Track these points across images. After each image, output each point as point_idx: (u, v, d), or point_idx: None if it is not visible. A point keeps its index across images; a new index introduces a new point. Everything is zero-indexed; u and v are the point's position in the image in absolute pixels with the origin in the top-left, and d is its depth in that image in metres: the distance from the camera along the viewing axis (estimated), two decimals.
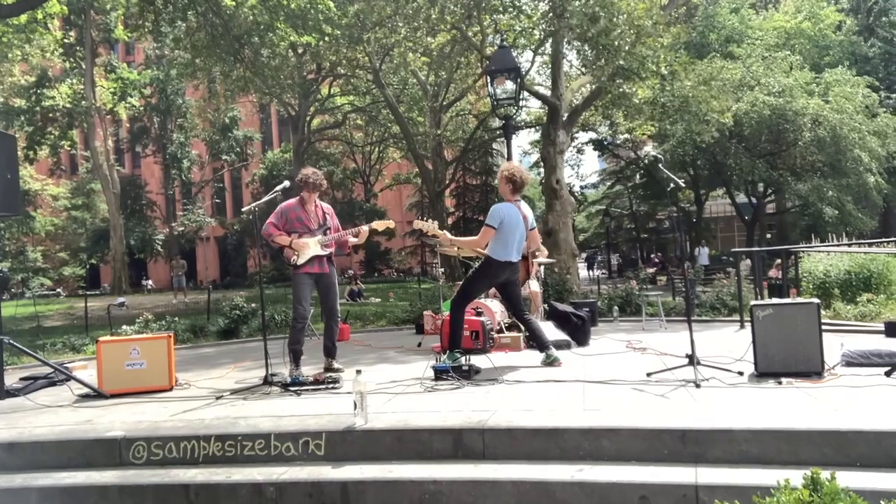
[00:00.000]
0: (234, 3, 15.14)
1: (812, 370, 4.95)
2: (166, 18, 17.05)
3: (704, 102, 15.32)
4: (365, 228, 6.59)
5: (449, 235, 6.68)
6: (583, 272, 33.63)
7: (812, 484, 2.05)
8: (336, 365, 6.52)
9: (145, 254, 45.11)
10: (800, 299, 7.57)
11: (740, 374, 5.12)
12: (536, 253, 9.26)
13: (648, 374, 5.25)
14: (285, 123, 45.47)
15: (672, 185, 5.62)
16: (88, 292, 33.48)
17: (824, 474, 2.09)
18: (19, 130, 32.06)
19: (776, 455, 3.63)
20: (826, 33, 30.46)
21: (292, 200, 6.42)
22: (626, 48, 12.72)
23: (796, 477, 3.34)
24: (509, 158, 11.60)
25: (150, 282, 43.53)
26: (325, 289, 6.48)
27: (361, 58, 22.34)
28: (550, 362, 6.17)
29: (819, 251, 11.86)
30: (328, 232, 6.46)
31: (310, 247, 6.30)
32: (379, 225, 6.71)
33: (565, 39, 15.01)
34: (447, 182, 31.81)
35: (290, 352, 6.30)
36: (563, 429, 3.97)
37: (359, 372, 4.35)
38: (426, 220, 6.56)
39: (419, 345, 8.60)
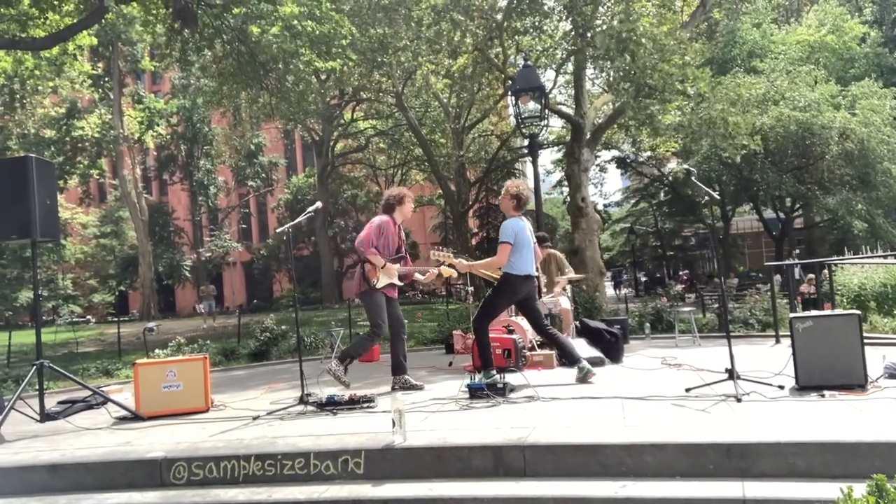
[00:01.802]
0: (259, 30, 15.41)
1: (855, 382, 4.86)
2: (193, 47, 17.39)
3: (733, 123, 15.22)
4: (434, 272, 6.67)
5: (465, 262, 6.72)
6: (609, 291, 33.41)
7: (877, 491, 2.00)
8: (413, 381, 6.49)
9: (173, 280, 45.62)
10: (840, 311, 7.45)
11: (781, 387, 5.04)
12: (565, 270, 9.24)
13: (688, 390, 5.19)
14: (309, 148, 46.00)
15: (707, 197, 5.58)
16: (118, 318, 33.89)
17: (889, 483, 2.04)
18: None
19: (824, 468, 3.56)
20: (850, 46, 30.18)
21: (387, 218, 6.41)
22: (650, 68, 12.70)
23: (849, 487, 3.30)
24: (535, 177, 11.62)
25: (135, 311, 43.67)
26: (394, 307, 6.54)
27: (384, 82, 22.57)
28: (584, 376, 6.14)
29: (854, 263, 11.68)
30: (403, 262, 6.52)
31: (393, 274, 6.34)
32: (445, 272, 6.79)
33: (588, 59, 15.06)
34: (470, 203, 31.90)
35: (349, 355, 6.37)
36: (604, 445, 3.93)
37: (395, 389, 4.34)
38: (441, 251, 6.64)
39: (450, 364, 8.57)
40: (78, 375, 10.26)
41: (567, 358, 6.46)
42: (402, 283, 6.55)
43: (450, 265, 6.64)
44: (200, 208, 46.23)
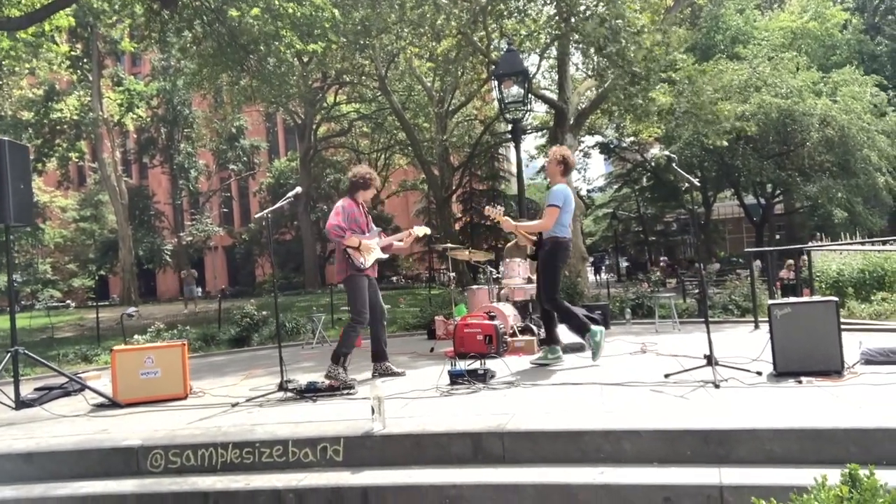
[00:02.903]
0: (238, 13, 15.21)
1: (832, 369, 4.90)
2: (172, 29, 17.13)
3: (718, 108, 15.26)
4: (413, 233, 6.71)
5: (512, 222, 6.65)
6: (590, 276, 33.54)
7: (850, 480, 2.01)
8: (394, 368, 6.49)
9: (154, 264, 45.27)
10: (818, 298, 7.51)
11: (759, 373, 5.07)
12: None
13: (666, 376, 5.21)
14: (291, 132, 45.67)
15: (687, 184, 5.59)
16: (98, 303, 33.58)
17: (862, 471, 2.05)
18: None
19: (801, 454, 3.58)
20: (832, 32, 30.38)
21: (349, 200, 6.34)
22: (637, 56, 12.68)
23: (823, 476, 3.32)
24: (518, 162, 11.60)
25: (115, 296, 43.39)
26: (374, 291, 6.49)
27: (367, 65, 22.39)
28: (556, 357, 6.23)
29: (832, 250, 11.79)
30: (379, 234, 6.52)
31: (373, 249, 6.32)
32: (420, 231, 6.83)
33: (571, 43, 15.00)
34: (454, 188, 31.82)
35: (342, 354, 6.23)
36: (583, 431, 3.94)
37: (375, 376, 4.32)
38: (494, 207, 6.66)
39: (432, 350, 8.57)
40: (56, 361, 10.17)
41: (578, 329, 6.41)
42: (386, 256, 6.58)
43: (498, 221, 6.66)
44: (181, 192, 45.81)
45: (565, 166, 6.43)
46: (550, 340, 6.54)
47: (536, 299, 7.13)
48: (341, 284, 6.43)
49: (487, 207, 6.88)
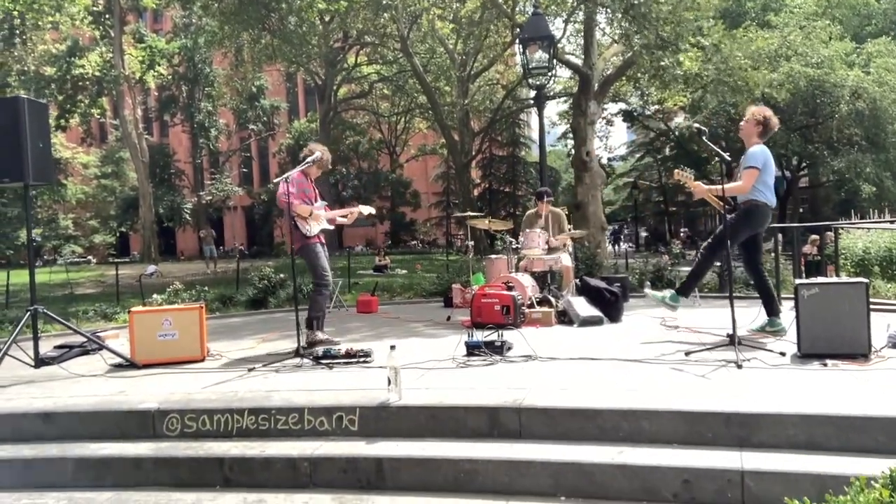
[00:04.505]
0: None
1: (858, 352, 4.78)
2: None
3: (748, 75, 14.87)
4: (356, 210, 6.93)
5: (703, 186, 6.21)
6: (608, 247, 33.29)
7: (892, 483, 1.93)
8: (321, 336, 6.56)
9: (174, 222, 45.58)
10: (847, 279, 7.35)
11: (782, 354, 4.98)
12: (564, 228, 9.11)
13: (687, 354, 5.13)
14: (312, 93, 45.43)
15: (714, 155, 5.40)
16: (118, 260, 33.91)
17: None
18: (50, 99, 32.32)
19: (825, 441, 3.51)
20: (868, 1, 29.47)
21: (300, 173, 6.48)
22: (665, 18, 12.35)
23: (849, 465, 3.25)
24: (541, 129, 11.40)
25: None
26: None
27: (389, 25, 22.07)
28: (776, 331, 5.91)
29: (859, 228, 11.54)
30: (325, 208, 6.75)
31: (321, 219, 6.54)
32: (365, 210, 7.02)
33: (598, 7, 14.65)
34: (474, 153, 31.58)
35: (314, 319, 6.43)
36: (601, 410, 3.88)
37: (392, 347, 4.28)
38: (684, 170, 6.24)
39: (448, 318, 8.52)
40: (76, 318, 10.26)
41: (768, 307, 6.07)
42: (331, 227, 6.82)
43: (688, 185, 6.18)
44: (201, 151, 45.89)
45: (764, 127, 5.88)
46: (770, 312, 6.06)
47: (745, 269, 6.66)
48: (297, 255, 6.48)
49: (677, 171, 6.26)
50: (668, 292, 6.22)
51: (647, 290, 6.03)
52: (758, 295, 6.30)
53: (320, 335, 6.43)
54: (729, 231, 5.80)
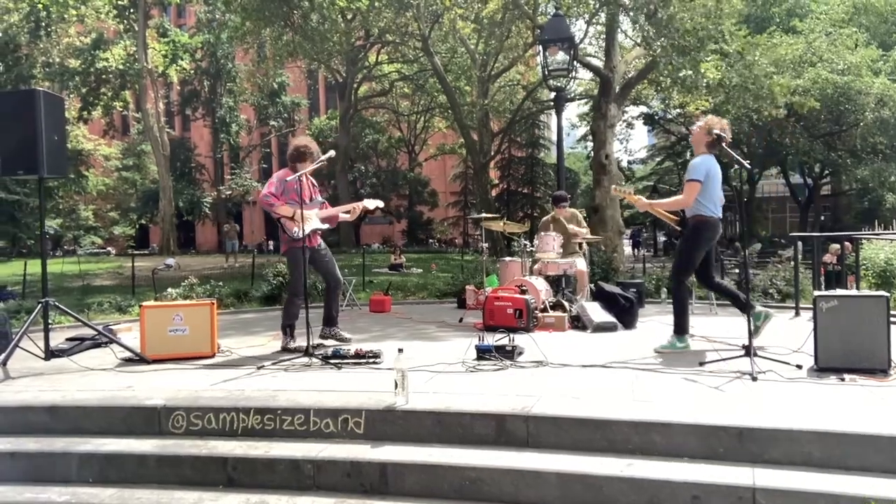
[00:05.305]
0: None
1: (877, 367, 4.67)
2: None
3: (771, 82, 14.68)
4: (360, 205, 6.53)
5: (644, 200, 6.08)
6: (626, 250, 33.02)
7: None
8: (344, 334, 6.52)
9: (194, 216, 45.87)
10: (867, 291, 7.20)
11: (799, 367, 4.87)
12: (582, 226, 9.04)
13: (701, 364, 5.03)
14: (332, 90, 45.51)
15: (734, 162, 5.29)
16: (137, 252, 34.17)
17: None
18: (74, 91, 32.64)
19: (841, 460, 3.41)
20: None
21: (287, 171, 6.25)
22: (686, 25, 12.21)
23: (866, 485, 3.15)
24: (559, 132, 11.32)
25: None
26: (328, 261, 6.48)
27: (411, 24, 22.05)
28: (761, 324, 5.75)
29: (882, 238, 11.34)
30: (323, 206, 6.45)
31: (311, 220, 6.21)
32: (370, 203, 6.62)
33: (621, 9, 14.52)
34: (492, 154, 31.46)
35: (286, 326, 6.30)
36: (611, 420, 3.80)
37: (400, 350, 4.23)
38: (621, 185, 6.22)
39: (461, 320, 8.47)
40: (91, 310, 10.32)
41: (740, 307, 5.91)
42: (327, 227, 6.46)
43: (629, 201, 6.15)
44: (222, 146, 46.15)
45: (715, 140, 5.56)
46: (743, 309, 5.74)
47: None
48: (284, 256, 6.37)
49: (615, 186, 6.32)
50: (671, 339, 5.91)
51: (656, 349, 5.80)
52: (733, 303, 6.15)
53: (292, 342, 6.24)
54: (685, 256, 5.79)
